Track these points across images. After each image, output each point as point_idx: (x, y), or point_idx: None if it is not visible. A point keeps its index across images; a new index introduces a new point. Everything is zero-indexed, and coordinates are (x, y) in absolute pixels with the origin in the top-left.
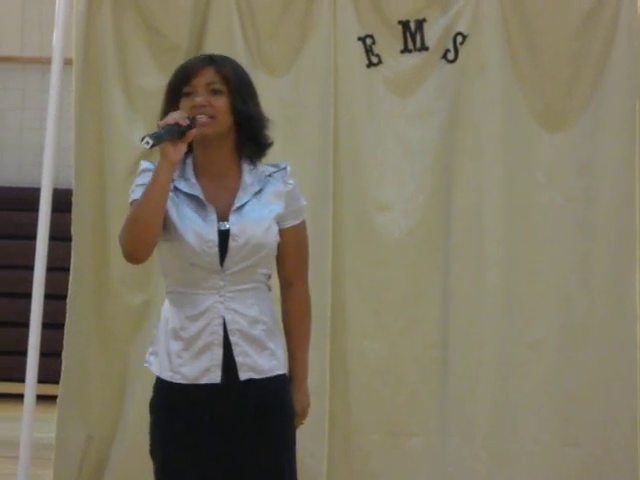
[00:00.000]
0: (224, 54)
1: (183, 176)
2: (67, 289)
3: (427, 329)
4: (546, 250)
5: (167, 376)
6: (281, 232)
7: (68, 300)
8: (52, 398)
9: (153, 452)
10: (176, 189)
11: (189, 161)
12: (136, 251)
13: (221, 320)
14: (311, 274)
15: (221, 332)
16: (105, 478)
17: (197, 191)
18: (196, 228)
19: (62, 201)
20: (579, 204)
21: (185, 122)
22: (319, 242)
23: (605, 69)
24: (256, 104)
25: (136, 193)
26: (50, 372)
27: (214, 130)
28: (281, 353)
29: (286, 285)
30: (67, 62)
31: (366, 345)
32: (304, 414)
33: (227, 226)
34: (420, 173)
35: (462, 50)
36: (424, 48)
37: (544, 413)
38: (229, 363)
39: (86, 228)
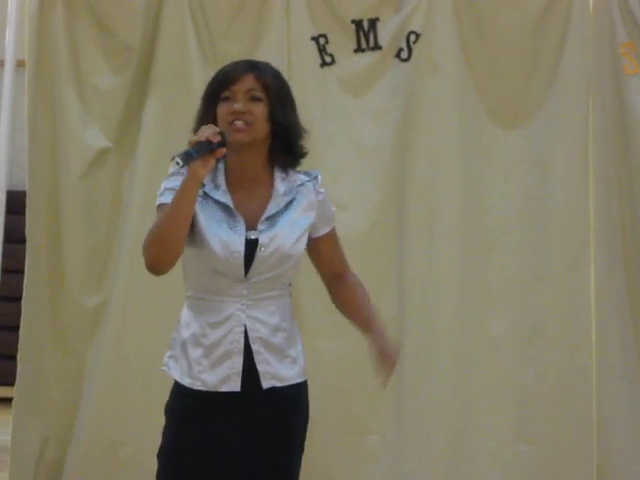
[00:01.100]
0: (175, 52)
1: (214, 181)
2: (22, 291)
3: None
4: (502, 247)
5: (187, 382)
6: (316, 240)
7: (23, 302)
8: (8, 400)
9: (163, 455)
10: (206, 195)
11: (221, 166)
12: (158, 264)
13: (242, 328)
14: None
15: (242, 340)
16: (62, 478)
17: (227, 199)
18: (223, 237)
19: (16, 203)
20: (535, 201)
21: (216, 139)
22: None
23: (558, 66)
24: (294, 113)
25: (164, 197)
26: (5, 374)
27: (250, 137)
28: (302, 360)
29: (335, 279)
30: (20, 63)
31: (322, 345)
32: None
33: (255, 236)
34: (375, 172)
35: (415, 49)
36: (377, 47)
37: (500, 410)
38: (250, 371)
39: (41, 230)
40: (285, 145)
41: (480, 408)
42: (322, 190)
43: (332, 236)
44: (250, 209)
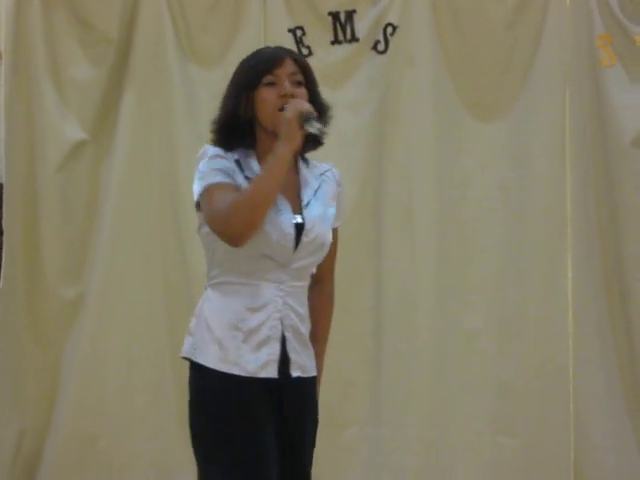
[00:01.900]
0: (152, 44)
1: (250, 168)
2: None
3: (360, 320)
4: (479, 240)
5: (225, 368)
6: None
7: (0, 294)
8: None
9: (211, 444)
10: (249, 179)
11: (251, 152)
12: (247, 232)
13: (280, 315)
14: None
15: (280, 326)
16: (40, 471)
17: None
18: (274, 220)
19: None
20: (512, 194)
21: (313, 111)
22: None
23: (535, 59)
24: (322, 98)
25: (214, 177)
26: None
27: None
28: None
29: (316, 282)
30: None
31: None
32: None
33: (301, 220)
34: (352, 164)
35: (392, 41)
36: (354, 39)
37: (478, 403)
38: (283, 359)
39: (17, 222)
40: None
41: (458, 401)
42: (342, 184)
43: (336, 234)
44: (287, 194)
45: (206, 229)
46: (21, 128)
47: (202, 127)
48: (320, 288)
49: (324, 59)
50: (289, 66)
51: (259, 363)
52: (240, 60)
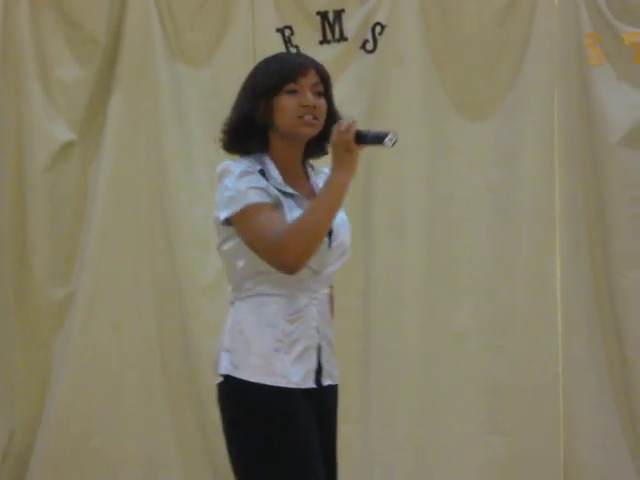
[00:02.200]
0: (140, 44)
1: (272, 177)
2: None
3: (349, 320)
4: (468, 240)
5: (271, 381)
6: None
7: None
8: None
9: (271, 462)
10: (276, 189)
11: (266, 158)
12: (304, 262)
13: (316, 324)
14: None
15: (317, 336)
16: (30, 470)
17: (294, 191)
18: None
19: None
20: (501, 193)
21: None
22: None
23: (524, 57)
24: (336, 109)
25: (252, 197)
26: None
27: (316, 131)
28: None
29: None
30: None
31: None
32: None
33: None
34: None
35: (381, 40)
36: (343, 39)
37: (468, 402)
38: (317, 368)
39: (6, 222)
40: (322, 138)
41: (448, 400)
42: None
43: None
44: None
45: (229, 245)
46: (9, 129)
47: (190, 127)
48: None
49: None
50: (312, 76)
51: (302, 373)
52: (228, 60)
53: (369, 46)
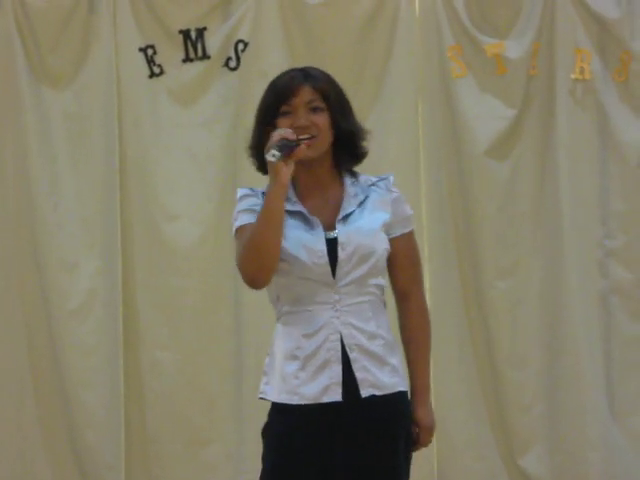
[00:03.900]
0: (2, 66)
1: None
2: None
3: (221, 337)
4: None
5: (284, 399)
6: (391, 242)
7: None
8: None
9: (268, 477)
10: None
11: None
12: (258, 277)
13: (338, 336)
14: (104, 284)
15: (339, 348)
16: None
17: (299, 207)
18: (304, 241)
19: None
20: None
21: (293, 137)
22: (109, 253)
23: (386, 71)
24: (353, 116)
25: (240, 220)
26: None
27: (317, 149)
28: (402, 370)
29: (402, 298)
30: None
31: (160, 355)
32: (431, 432)
33: (334, 235)
34: (208, 181)
35: (244, 57)
36: (206, 57)
37: None
38: (348, 380)
39: None
40: (348, 149)
41: None
42: (396, 190)
43: (408, 240)
44: (325, 213)
45: None
46: None
47: (55, 148)
48: (405, 307)
49: (176, 77)
50: (305, 94)
51: (319, 388)
52: (91, 80)
53: (232, 63)
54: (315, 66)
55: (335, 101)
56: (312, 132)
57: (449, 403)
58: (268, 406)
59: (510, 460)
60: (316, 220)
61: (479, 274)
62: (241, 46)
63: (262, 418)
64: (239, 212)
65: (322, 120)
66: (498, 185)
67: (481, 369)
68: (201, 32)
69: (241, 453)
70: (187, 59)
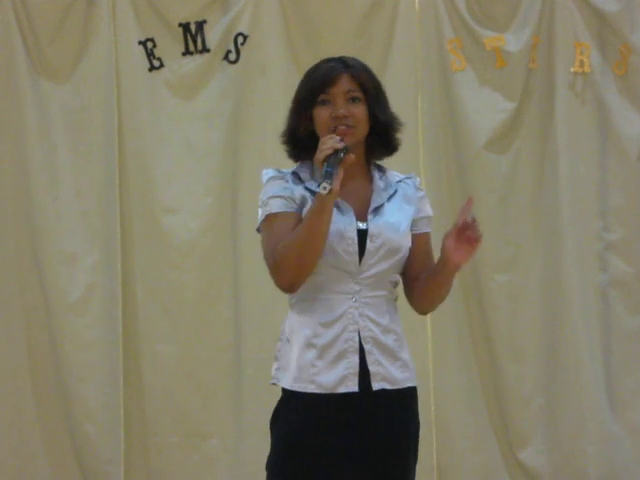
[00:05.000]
0: (2, 59)
1: (309, 179)
2: None
3: (220, 330)
4: None
5: (299, 387)
6: (413, 237)
7: None
8: None
9: (276, 464)
10: (311, 192)
11: (311, 164)
12: (297, 282)
13: (356, 327)
14: (103, 278)
15: (357, 339)
16: None
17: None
18: (336, 226)
19: None
20: None
21: (341, 145)
22: (108, 246)
23: (386, 64)
24: (389, 107)
25: (271, 207)
26: None
27: (354, 140)
28: (412, 365)
29: (414, 279)
30: None
31: (159, 348)
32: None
33: (365, 226)
34: (207, 175)
35: (243, 50)
36: (205, 50)
37: None
38: (361, 372)
39: None
40: (382, 140)
41: None
42: (422, 189)
43: (428, 240)
44: (355, 203)
45: None
46: None
47: (55, 141)
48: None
49: (176, 71)
50: (344, 84)
51: (336, 378)
52: (90, 74)
53: (232, 57)
54: (313, 60)
55: (373, 92)
56: (350, 123)
57: (448, 396)
58: (267, 399)
59: (509, 453)
60: (349, 207)
61: (478, 267)
62: (241, 39)
63: (261, 411)
64: (269, 198)
65: (360, 111)
66: (497, 178)
67: (480, 362)
68: (201, 25)
69: (240, 446)
70: (187, 52)
